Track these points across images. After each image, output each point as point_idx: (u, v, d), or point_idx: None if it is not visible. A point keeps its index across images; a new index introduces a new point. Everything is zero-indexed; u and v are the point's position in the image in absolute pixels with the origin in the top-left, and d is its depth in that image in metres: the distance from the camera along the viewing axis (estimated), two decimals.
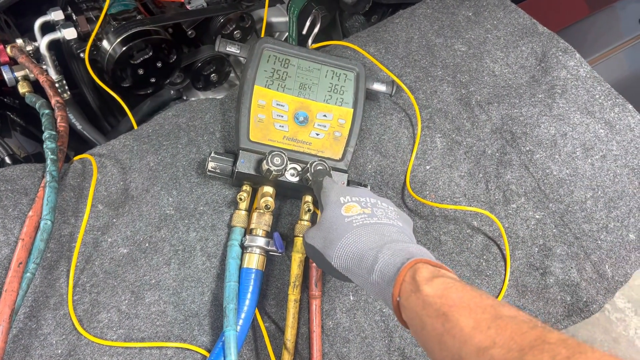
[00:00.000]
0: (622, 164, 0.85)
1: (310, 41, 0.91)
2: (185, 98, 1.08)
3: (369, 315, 0.72)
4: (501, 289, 0.77)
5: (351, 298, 0.73)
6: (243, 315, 0.66)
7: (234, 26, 0.99)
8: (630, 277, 0.80)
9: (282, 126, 0.74)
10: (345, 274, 0.54)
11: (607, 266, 0.80)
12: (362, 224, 0.54)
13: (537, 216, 0.81)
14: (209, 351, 0.66)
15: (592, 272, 0.79)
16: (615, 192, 0.84)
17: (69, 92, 0.95)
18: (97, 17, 0.89)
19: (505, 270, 0.78)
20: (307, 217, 0.73)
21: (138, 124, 0.88)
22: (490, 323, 0.39)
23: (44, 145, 0.74)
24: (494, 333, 0.38)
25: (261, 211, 0.71)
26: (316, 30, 0.90)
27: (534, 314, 0.77)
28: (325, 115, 0.76)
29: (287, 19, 1.05)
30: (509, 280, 0.77)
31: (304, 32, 0.94)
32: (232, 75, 1.09)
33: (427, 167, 0.82)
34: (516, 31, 0.96)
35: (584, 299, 0.78)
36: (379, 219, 0.55)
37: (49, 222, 0.67)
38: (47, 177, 0.70)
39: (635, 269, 0.81)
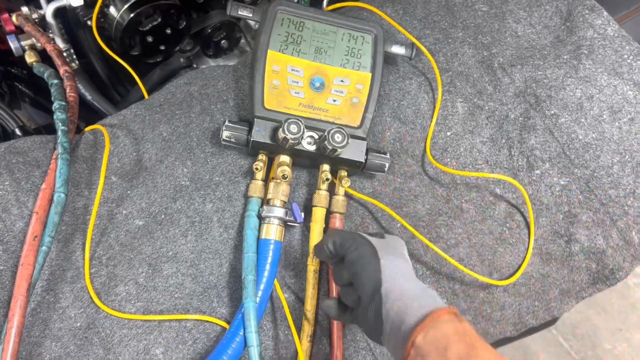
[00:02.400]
0: None
1: (325, 2, 0.87)
2: (195, 66, 1.06)
3: None
4: (525, 257, 0.75)
5: None
6: (262, 287, 0.65)
7: None
8: None
9: (298, 92, 0.72)
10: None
11: (634, 233, 0.78)
12: None
13: (562, 182, 0.78)
14: (228, 323, 0.66)
15: (618, 239, 0.77)
16: None
17: (77, 62, 0.92)
18: None
19: (529, 238, 0.76)
20: (324, 186, 0.71)
21: (148, 93, 0.85)
22: None
23: (54, 117, 0.72)
24: None
25: (278, 181, 0.69)
26: None
27: (558, 282, 0.75)
28: (342, 81, 0.74)
29: None
30: (533, 249, 0.75)
31: None
32: (242, 41, 1.06)
33: (448, 134, 0.80)
34: None
35: (610, 267, 0.76)
36: None
37: (62, 195, 0.65)
38: (59, 149, 0.68)
39: None
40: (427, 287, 0.53)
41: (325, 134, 0.67)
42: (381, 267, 0.54)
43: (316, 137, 0.70)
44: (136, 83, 0.87)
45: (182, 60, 1.01)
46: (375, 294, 0.53)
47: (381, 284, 0.53)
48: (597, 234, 0.77)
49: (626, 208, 0.78)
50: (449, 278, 0.73)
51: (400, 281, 0.53)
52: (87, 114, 0.95)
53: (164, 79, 1.03)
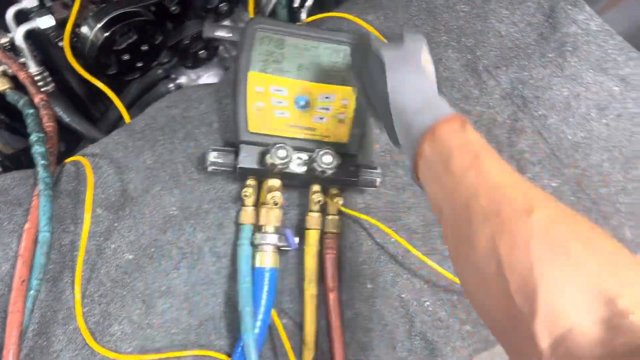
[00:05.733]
0: (638, 122, 0.82)
1: (304, 15, 0.85)
2: (173, 77, 1.03)
3: (388, 301, 0.70)
4: None
5: (369, 286, 0.71)
6: (260, 317, 0.64)
7: None
8: None
9: (283, 113, 0.70)
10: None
11: (626, 229, 0.78)
12: None
13: (554, 184, 0.78)
14: (228, 355, 0.65)
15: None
16: (632, 151, 0.81)
17: (52, 84, 0.89)
18: (74, 1, 0.83)
19: None
20: (316, 207, 0.70)
21: (127, 107, 0.83)
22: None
23: (32, 150, 0.69)
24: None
25: (269, 207, 0.68)
26: (311, 1, 0.83)
27: None
28: (327, 97, 0.72)
29: None
30: None
31: (296, 4, 0.87)
32: (221, 47, 1.03)
33: None
34: None
35: None
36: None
37: (47, 234, 0.64)
38: (41, 185, 0.66)
39: None
40: (433, 98, 0.52)
41: (314, 156, 0.66)
42: (387, 82, 0.53)
43: (305, 158, 0.69)
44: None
45: (159, 71, 0.99)
46: (385, 110, 0.53)
47: (388, 99, 0.53)
48: None
49: (618, 205, 0.78)
50: (446, 290, 0.72)
51: (405, 95, 0.52)
52: (65, 133, 0.92)
53: (142, 92, 1.00)
